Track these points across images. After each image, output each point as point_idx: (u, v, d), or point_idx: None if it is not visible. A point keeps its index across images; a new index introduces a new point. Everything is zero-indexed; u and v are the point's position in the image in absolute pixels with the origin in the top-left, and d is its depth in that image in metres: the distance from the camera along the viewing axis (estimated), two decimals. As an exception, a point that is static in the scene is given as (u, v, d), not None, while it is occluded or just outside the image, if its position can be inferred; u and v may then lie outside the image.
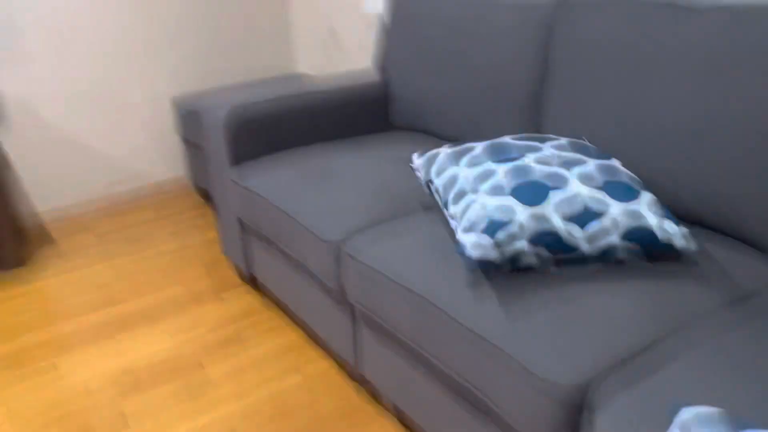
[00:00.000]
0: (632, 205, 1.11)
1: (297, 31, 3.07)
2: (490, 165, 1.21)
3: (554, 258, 1.13)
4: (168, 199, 2.90)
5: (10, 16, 2.40)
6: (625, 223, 1.10)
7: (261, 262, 1.90)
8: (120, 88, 2.71)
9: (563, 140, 1.29)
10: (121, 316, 2.00)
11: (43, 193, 2.66)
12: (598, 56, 1.44)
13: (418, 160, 1.42)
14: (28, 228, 2.66)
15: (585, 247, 1.11)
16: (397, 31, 2.04)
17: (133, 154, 2.83)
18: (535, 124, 1.65)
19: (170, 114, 2.88)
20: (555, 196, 1.12)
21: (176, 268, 2.28)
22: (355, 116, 2.07)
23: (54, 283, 2.20)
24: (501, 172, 1.18)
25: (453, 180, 1.25)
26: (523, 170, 1.17)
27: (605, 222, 1.10)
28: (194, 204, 2.83)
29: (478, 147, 1.29)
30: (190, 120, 2.60)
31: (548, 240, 1.10)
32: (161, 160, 2.91)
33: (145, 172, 2.89)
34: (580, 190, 1.13)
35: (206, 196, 2.88)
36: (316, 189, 1.60)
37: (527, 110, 1.65)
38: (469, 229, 1.12)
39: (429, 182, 1.36)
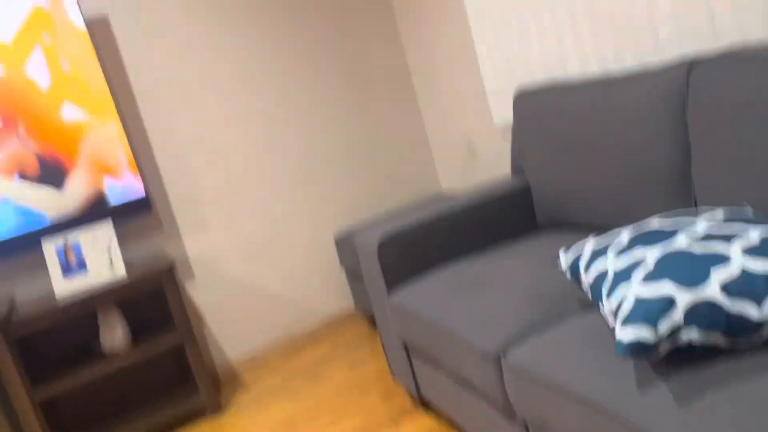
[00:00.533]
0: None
1: (436, 152, 3.21)
2: (640, 251, 1.14)
3: (726, 338, 1.01)
4: (341, 330, 3.03)
5: (193, 194, 2.78)
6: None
7: (429, 383, 1.89)
8: (286, 237, 2.97)
9: (718, 211, 1.19)
10: (306, 452, 2.07)
11: (231, 340, 2.91)
12: (741, 114, 1.34)
13: (564, 257, 1.37)
14: (222, 374, 2.89)
15: (760, 319, 0.98)
16: (527, 133, 2.06)
17: (305, 293, 3.03)
18: (686, 199, 1.54)
19: (333, 248, 3.08)
20: (718, 274, 1.02)
21: (353, 398, 2.33)
22: (500, 222, 2.07)
23: (247, 424, 2.35)
24: (653, 256, 1.11)
25: (603, 273, 1.19)
26: (677, 250, 1.09)
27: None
28: (365, 332, 2.93)
29: (624, 233, 1.23)
30: (350, 251, 2.76)
31: (718, 321, 0.99)
32: (330, 294, 3.08)
33: (318, 308, 3.06)
34: (746, 263, 1.02)
35: (374, 322, 2.97)
36: (468, 300, 1.60)
37: (675, 186, 1.55)
38: (627, 325, 1.04)
39: (578, 278, 1.31)
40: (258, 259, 2.93)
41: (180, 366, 2.72)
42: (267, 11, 2.88)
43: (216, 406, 2.50)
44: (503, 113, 2.48)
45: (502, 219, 2.08)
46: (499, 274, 1.69)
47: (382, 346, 2.18)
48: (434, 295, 1.73)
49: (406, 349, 1.97)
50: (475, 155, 2.91)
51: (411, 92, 3.20)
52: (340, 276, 3.10)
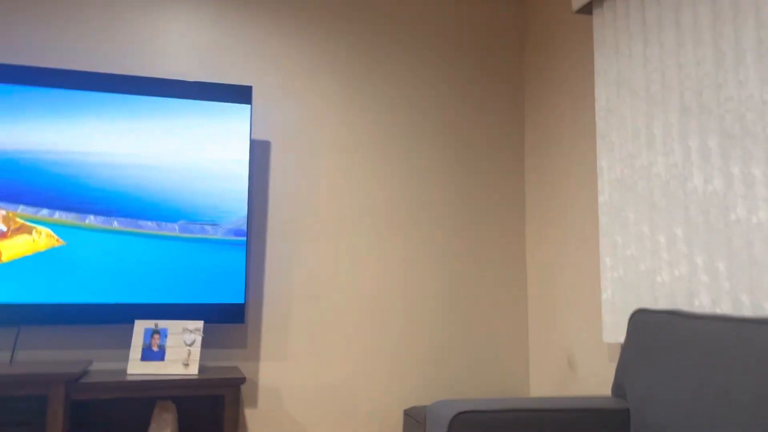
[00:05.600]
0: None
1: (533, 355, 3.06)
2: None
3: None
4: None
5: (285, 317, 2.81)
6: None
7: None
8: (358, 393, 2.86)
9: None
10: None
11: (268, 486, 2.72)
12: None
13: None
14: None
15: None
16: (637, 355, 1.92)
17: (358, 460, 2.83)
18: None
19: (399, 423, 2.90)
20: None
21: None
22: (589, 441, 1.87)
23: None
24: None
25: None
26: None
27: None
28: None
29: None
30: (416, 430, 2.58)
31: None
32: (383, 472, 2.86)
33: (365, 482, 2.83)
34: None
35: None
36: None
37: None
38: None
39: None
40: (322, 410, 2.82)
41: (209, 492, 2.56)
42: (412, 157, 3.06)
43: None
44: (615, 331, 2.35)
45: (591, 438, 1.88)
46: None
47: None
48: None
49: None
50: (574, 369, 2.73)
51: (522, 287, 3.15)
52: (399, 455, 2.88)
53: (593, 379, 2.61)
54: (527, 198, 3.19)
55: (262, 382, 2.76)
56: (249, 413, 2.72)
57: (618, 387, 2.03)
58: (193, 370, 2.39)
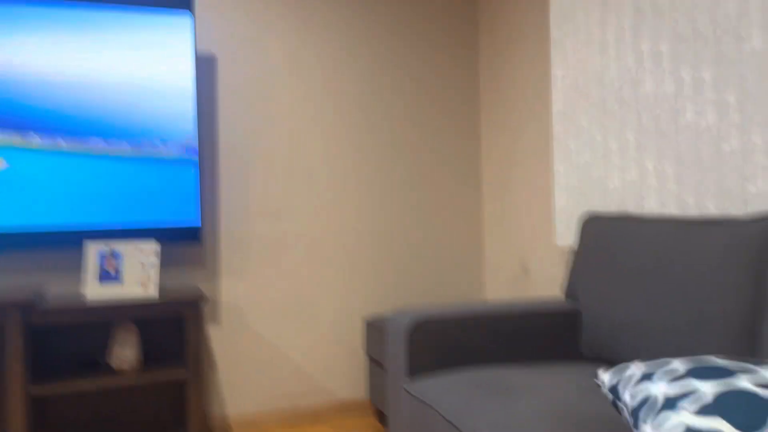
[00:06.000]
0: None
1: (489, 262, 3.15)
2: (692, 381, 1.04)
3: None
4: (347, 417, 2.88)
5: (244, 239, 2.80)
6: None
7: (427, 488, 1.73)
8: (318, 307, 2.91)
9: (789, 366, 1.08)
10: None
11: (235, 395, 2.79)
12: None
13: (604, 375, 1.27)
14: (216, 426, 2.76)
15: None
16: (589, 259, 1.99)
17: (321, 369, 2.92)
18: (748, 357, 1.42)
19: (360, 331, 2.99)
20: (781, 425, 0.91)
21: (342, 488, 2.16)
22: (541, 341, 1.97)
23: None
24: (706, 389, 1.01)
25: (650, 399, 1.08)
26: (735, 389, 0.99)
27: None
28: (371, 425, 2.77)
29: (677, 362, 1.13)
30: (376, 337, 2.67)
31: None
32: (346, 379, 2.96)
33: (330, 389, 2.93)
34: (815, 419, 0.91)
35: (383, 420, 2.81)
36: (494, 405, 1.48)
37: (739, 341, 1.44)
38: (667, 453, 0.93)
39: (617, 399, 1.19)
40: (285, 323, 2.87)
41: (178, 406, 2.62)
42: (354, 70, 3.00)
43: (199, 458, 2.37)
44: (567, 236, 2.43)
45: (544, 338, 1.97)
46: (532, 386, 1.58)
47: (387, 439, 2.04)
48: (457, 391, 1.62)
49: (412, 446, 1.83)
50: (527, 272, 2.83)
51: (477, 192, 3.20)
52: (361, 361, 2.98)
53: (546, 282, 2.71)
54: (482, 109, 3.18)
55: (224, 299, 2.77)
56: (212, 330, 2.76)
57: (570, 289, 2.11)
58: (152, 292, 2.38)
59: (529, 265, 2.82)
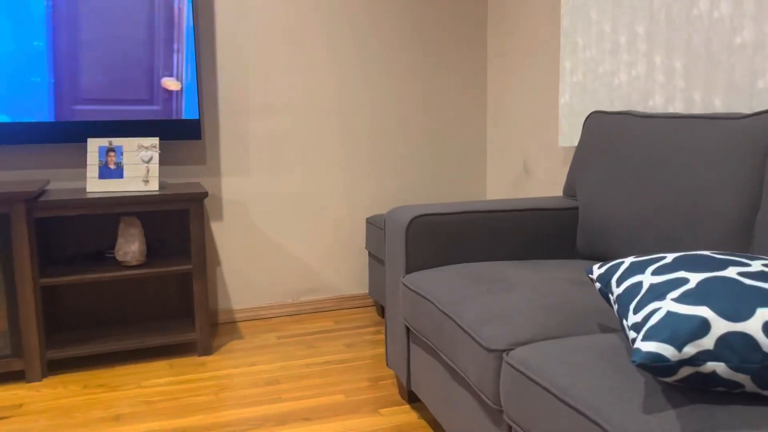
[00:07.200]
0: None
1: (491, 162, 3.13)
2: (682, 273, 1.05)
3: (754, 382, 0.91)
4: (349, 313, 2.97)
5: (245, 135, 2.77)
6: None
7: (422, 374, 1.81)
8: (322, 205, 2.93)
9: (778, 258, 1.09)
10: (281, 413, 2.00)
11: (239, 290, 2.87)
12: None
13: (598, 270, 1.29)
14: (221, 319, 2.86)
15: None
16: (590, 156, 1.97)
17: (325, 266, 2.98)
18: (743, 250, 1.43)
19: (363, 229, 3.02)
20: (764, 313, 0.92)
21: (342, 377, 2.26)
22: (539, 238, 1.99)
23: (232, 374, 2.30)
24: (695, 280, 1.02)
25: (636, 287, 1.10)
26: (724, 281, 1.00)
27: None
28: (372, 319, 2.86)
29: (670, 257, 1.14)
30: (378, 235, 2.70)
31: (750, 359, 0.89)
32: (349, 275, 3.02)
33: (333, 284, 3.01)
34: (798, 307, 0.92)
35: (384, 312, 2.90)
36: (485, 295, 1.52)
37: (734, 234, 1.45)
38: (649, 337, 0.95)
39: (608, 291, 1.22)
40: (288, 219, 2.90)
41: (184, 299, 2.70)
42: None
43: (206, 348, 2.47)
44: (571, 135, 2.39)
45: (542, 236, 1.99)
46: (524, 279, 1.61)
47: (385, 331, 2.11)
48: (451, 283, 1.66)
49: (408, 336, 1.90)
50: (529, 173, 2.82)
51: (482, 95, 3.14)
52: (363, 258, 3.04)
53: (548, 183, 2.70)
54: (489, 3, 3.05)
55: (225, 195, 2.79)
56: (215, 226, 2.79)
57: (569, 187, 2.11)
58: (154, 186, 2.40)
59: (531, 166, 2.80)
